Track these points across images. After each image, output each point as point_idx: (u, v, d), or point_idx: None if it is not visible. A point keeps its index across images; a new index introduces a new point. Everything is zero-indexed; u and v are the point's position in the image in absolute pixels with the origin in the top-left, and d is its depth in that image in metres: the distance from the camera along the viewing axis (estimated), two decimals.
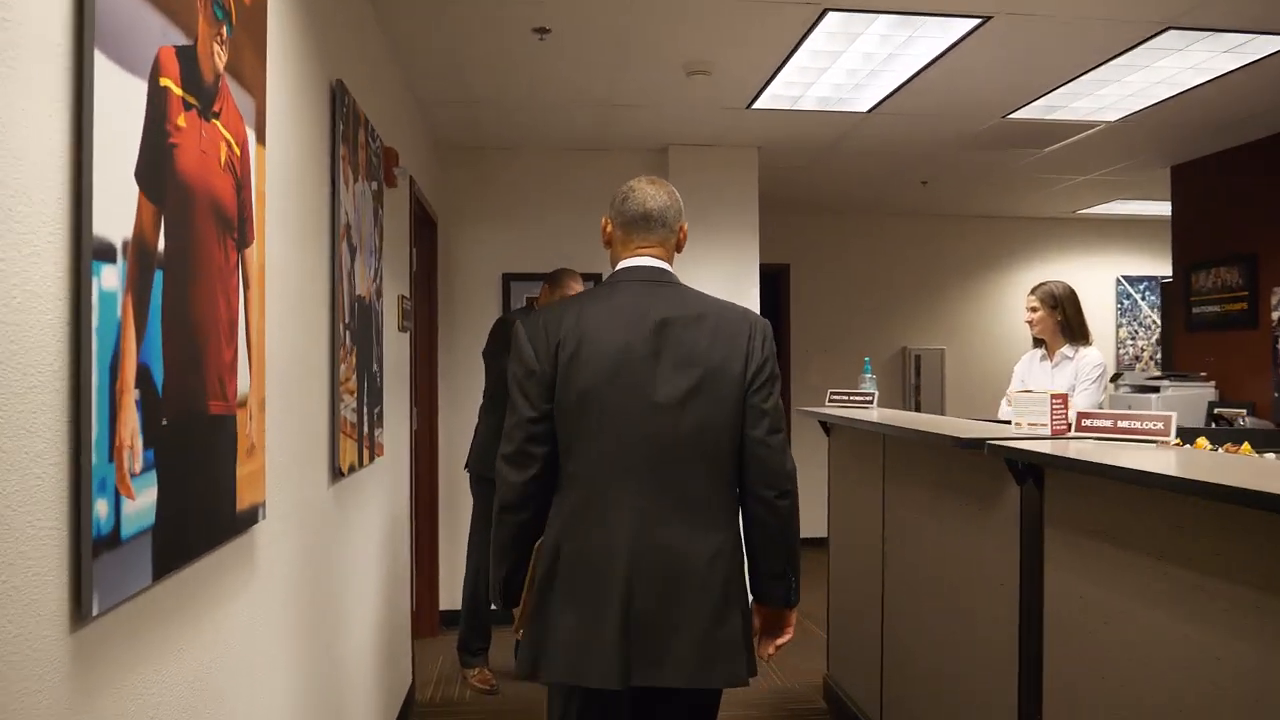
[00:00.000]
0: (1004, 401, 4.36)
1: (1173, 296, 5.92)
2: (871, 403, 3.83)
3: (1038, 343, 4.32)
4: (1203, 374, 5.47)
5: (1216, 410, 5.27)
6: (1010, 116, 4.69)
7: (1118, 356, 8.04)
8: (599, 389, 1.85)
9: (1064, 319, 4.15)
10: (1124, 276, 8.06)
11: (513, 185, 5.36)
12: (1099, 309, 8.00)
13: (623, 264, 2.02)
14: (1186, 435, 2.93)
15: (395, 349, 3.73)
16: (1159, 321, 8.08)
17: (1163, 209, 7.28)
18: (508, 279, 5.30)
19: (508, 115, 4.74)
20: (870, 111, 4.58)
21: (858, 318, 7.65)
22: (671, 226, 2.03)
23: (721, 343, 1.90)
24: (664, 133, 5.09)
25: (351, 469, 2.69)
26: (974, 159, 5.68)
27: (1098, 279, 8.03)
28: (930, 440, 2.94)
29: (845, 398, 3.93)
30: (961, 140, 5.14)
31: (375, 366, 3.06)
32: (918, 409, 7.73)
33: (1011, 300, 7.90)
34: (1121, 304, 8.07)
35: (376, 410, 3.08)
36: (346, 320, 2.59)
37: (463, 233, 5.32)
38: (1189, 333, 5.74)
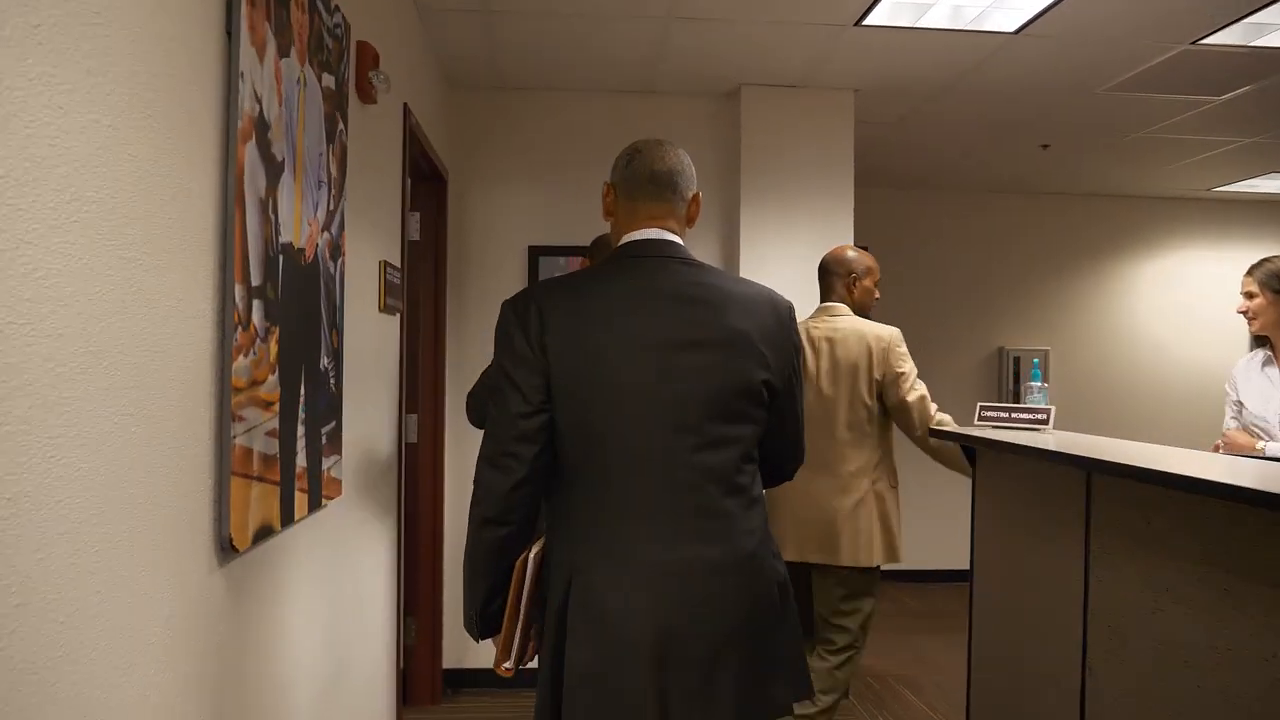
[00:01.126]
0: (1228, 419, 3.22)
1: None
2: (1046, 422, 2.71)
3: (1259, 341, 3.18)
4: None
5: None
6: (1201, 42, 3.53)
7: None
8: (607, 384, 1.60)
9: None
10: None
11: (543, 137, 4.27)
12: (1230, 300, 6.77)
13: (628, 237, 1.75)
14: None
15: (373, 336, 2.66)
16: None
17: None
18: (535, 253, 4.22)
19: (535, 33, 3.65)
20: (1018, 32, 3.44)
21: (947, 312, 6.50)
22: (684, 194, 1.76)
23: (752, 330, 1.66)
24: (736, 67, 3.99)
25: (267, 533, 1.62)
26: (1118, 113, 4.52)
27: (1229, 269, 6.78)
28: (1208, 491, 1.82)
29: (1004, 415, 2.81)
30: (1124, 79, 3.98)
31: (326, 361, 1.99)
32: None
33: (1129, 293, 6.71)
34: None
35: (328, 429, 2.01)
36: (255, 282, 1.52)
37: (480, 194, 4.25)
38: None
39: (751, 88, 4.17)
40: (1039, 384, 2.84)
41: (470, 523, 1.64)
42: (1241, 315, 3.20)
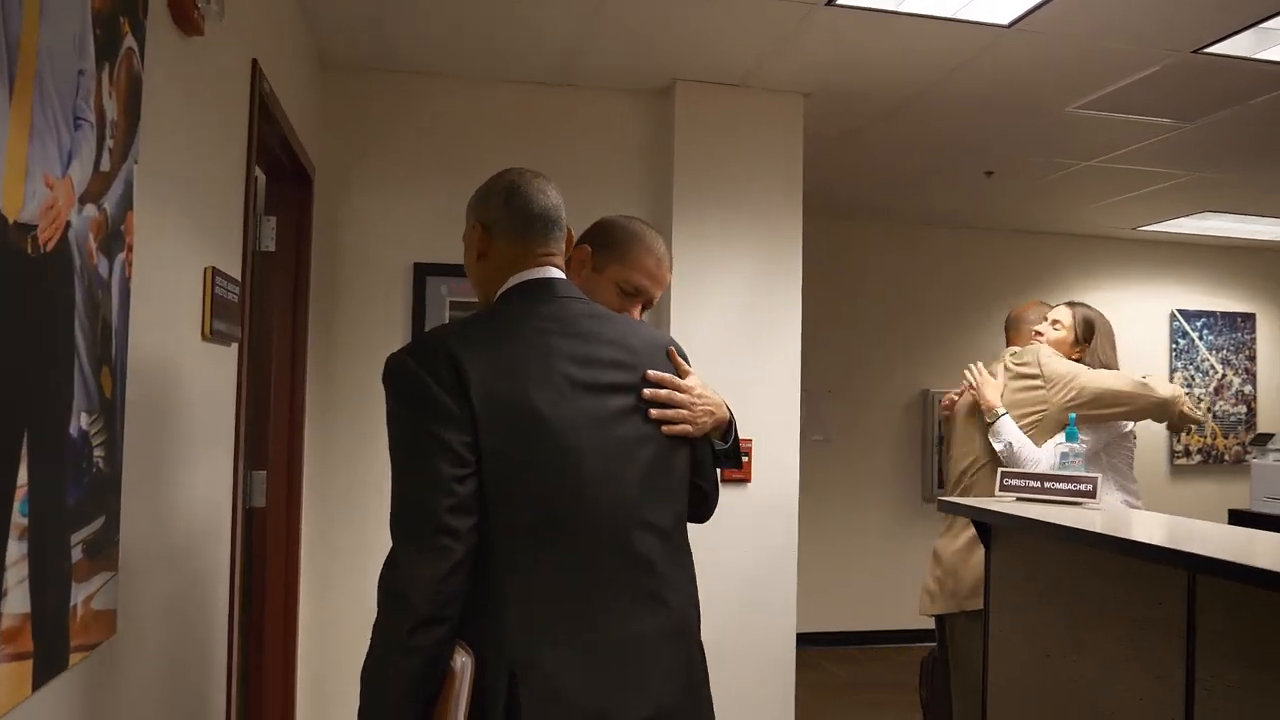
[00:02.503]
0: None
1: None
2: (1093, 495, 2.12)
3: None
4: None
5: None
6: (1205, 50, 3.10)
7: None
8: (546, 442, 1.36)
9: (1081, 354, 3.02)
10: (1179, 310, 6.64)
11: (437, 133, 3.52)
12: (1151, 348, 6.58)
13: (522, 277, 1.50)
14: None
15: (193, 374, 1.85)
16: (1218, 367, 6.69)
17: (1249, 228, 5.92)
18: (422, 272, 3.45)
19: (434, 4, 2.93)
20: (1012, 25, 2.92)
21: (872, 351, 6.02)
22: (564, 229, 1.58)
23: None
24: (672, 57, 3.35)
25: None
26: (1078, 137, 4.11)
27: (1149, 311, 6.60)
28: None
29: (1035, 485, 2.21)
30: (1103, 95, 3.54)
31: (83, 422, 1.19)
32: (941, 469, 6.13)
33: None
34: (1176, 344, 6.64)
35: (85, 534, 1.20)
36: None
37: (356, 199, 3.45)
38: None
39: (688, 84, 3.54)
40: (1075, 445, 2.26)
41: (383, 641, 1.32)
42: (1036, 335, 3.10)
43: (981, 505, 2.25)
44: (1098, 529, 1.89)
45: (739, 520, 3.49)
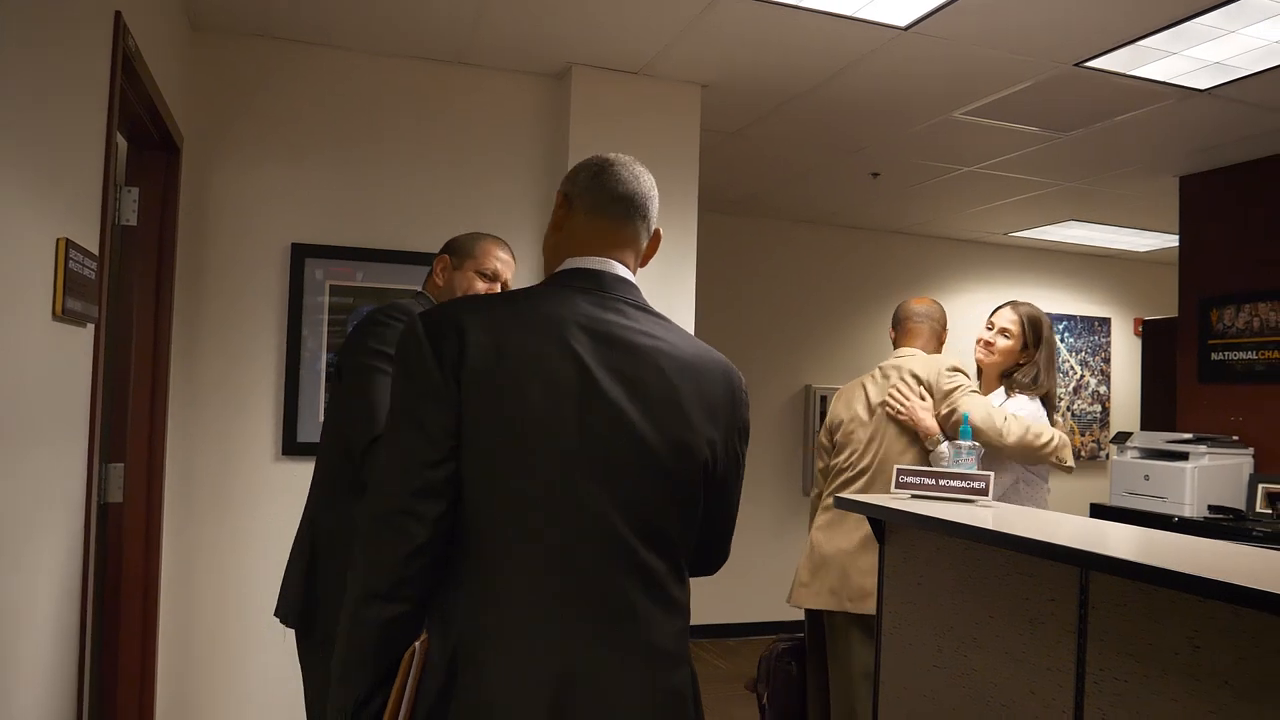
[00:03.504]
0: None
1: (1173, 339, 4.74)
2: (985, 492, 2.16)
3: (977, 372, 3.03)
4: (1235, 438, 4.25)
5: (1263, 485, 4.05)
6: (1085, 64, 3.22)
7: None
8: (523, 436, 1.26)
9: (1030, 363, 2.93)
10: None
11: (319, 107, 3.32)
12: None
13: (575, 263, 1.41)
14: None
15: (39, 358, 1.66)
16: (1077, 369, 7.06)
17: (1106, 237, 6.26)
18: (301, 253, 3.25)
19: None
20: (910, 27, 2.96)
21: (757, 347, 6.07)
22: (650, 224, 1.48)
23: (700, 402, 1.36)
24: (567, 41, 3.25)
25: None
26: (964, 143, 4.24)
27: None
28: None
29: (930, 482, 2.23)
30: (991, 102, 3.64)
31: None
32: None
33: None
34: None
35: None
36: None
37: (228, 172, 3.22)
38: (1203, 384, 4.53)
39: (584, 69, 3.45)
40: (969, 443, 2.29)
41: (349, 595, 1.26)
42: (985, 345, 2.97)
43: (875, 502, 2.25)
44: (991, 526, 1.91)
45: None
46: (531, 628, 1.24)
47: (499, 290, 2.11)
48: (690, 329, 3.62)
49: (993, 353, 2.95)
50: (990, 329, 2.99)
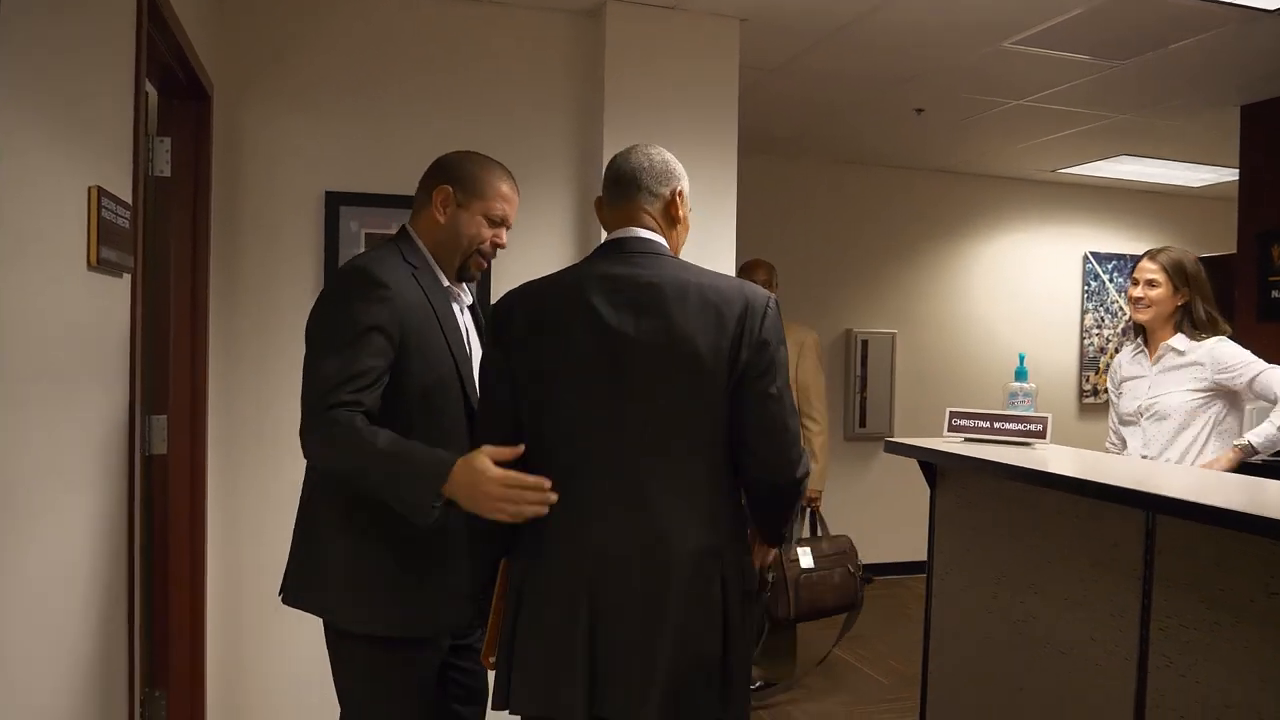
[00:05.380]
0: (1111, 420, 2.96)
1: (1230, 276, 4.57)
2: (1043, 435, 2.09)
3: (1135, 330, 3.07)
4: None
5: None
6: None
7: (1081, 348, 6.77)
8: (548, 370, 1.65)
9: (1188, 304, 2.90)
10: (1092, 253, 6.78)
11: (350, 49, 3.25)
12: (1064, 290, 6.72)
13: (609, 238, 1.75)
14: None
15: (75, 309, 1.64)
16: (1126, 309, 6.86)
17: (1159, 172, 6.03)
18: (335, 201, 3.21)
19: None
20: None
21: (797, 290, 5.96)
22: (652, 190, 1.74)
23: (699, 320, 1.60)
24: None
25: None
26: (1013, 74, 4.07)
27: (1062, 254, 6.72)
28: None
29: (984, 425, 2.16)
30: (1042, 30, 3.47)
31: None
32: (863, 407, 6.18)
33: (963, 277, 6.45)
34: (1088, 285, 6.79)
35: None
36: None
37: (260, 120, 3.17)
38: (1262, 322, 4.37)
39: (618, 4, 3.34)
40: (1025, 385, 2.22)
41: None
42: (1135, 302, 2.95)
43: (928, 445, 2.19)
44: (1053, 469, 1.84)
45: None
46: (571, 520, 1.59)
47: (504, 236, 1.98)
48: (730, 272, 3.54)
49: (1147, 305, 2.91)
50: (1135, 285, 2.97)
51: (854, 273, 6.14)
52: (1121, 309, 6.87)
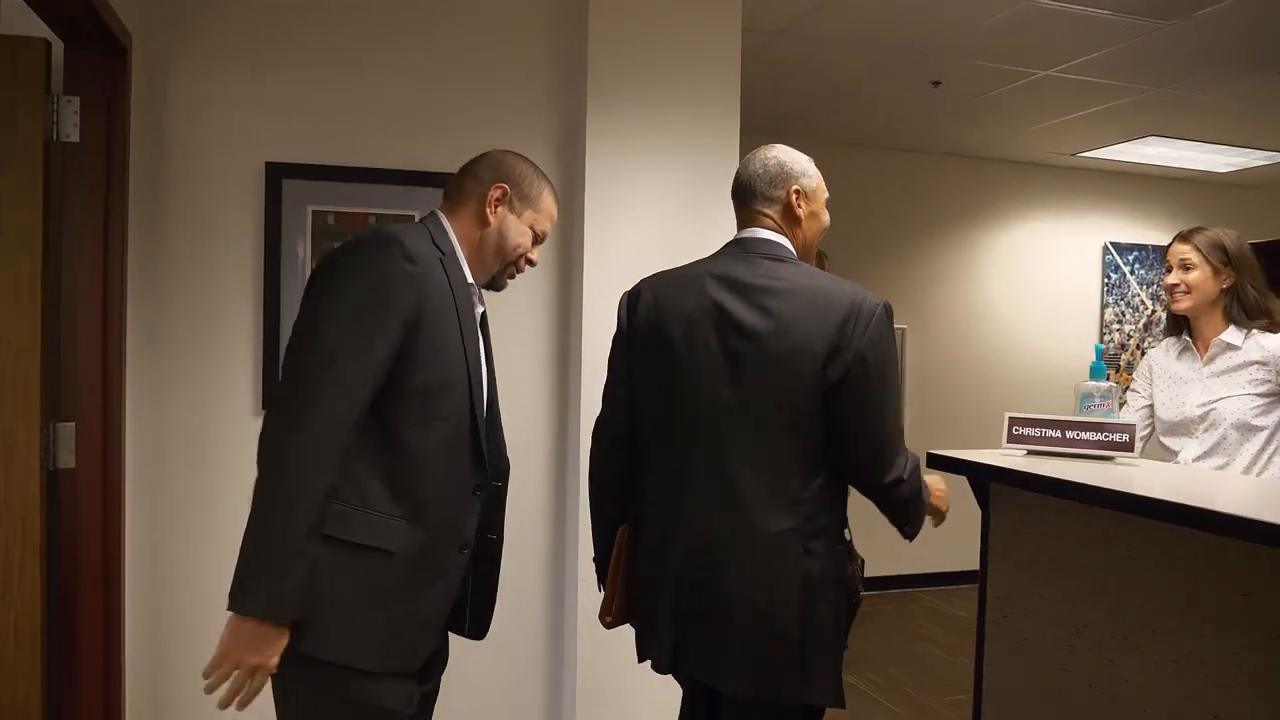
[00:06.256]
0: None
1: None
2: (1129, 447, 1.67)
3: (1175, 325, 2.60)
4: None
5: None
6: None
7: (1103, 343, 6.37)
8: (658, 356, 1.78)
9: (1234, 286, 2.47)
10: (1112, 243, 6.38)
11: (294, 5, 2.83)
12: (1084, 281, 6.33)
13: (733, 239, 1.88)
14: None
15: None
16: (1148, 303, 6.47)
17: (1185, 155, 5.64)
18: (277, 173, 2.77)
19: None
20: None
21: None
22: (767, 194, 1.83)
23: (802, 321, 1.66)
24: None
25: None
26: (1041, 39, 3.66)
27: (1082, 244, 6.33)
28: None
29: (1054, 434, 1.75)
30: None
31: None
32: None
33: (976, 269, 6.05)
34: (1108, 278, 6.39)
35: None
36: None
37: (188, 78, 2.74)
38: None
39: None
40: (1101, 384, 1.80)
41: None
42: (1170, 290, 2.51)
43: (983, 460, 1.78)
44: (1161, 495, 1.43)
45: None
46: (663, 498, 1.75)
47: (535, 255, 1.87)
48: None
49: (1185, 291, 2.49)
50: (1169, 271, 2.53)
51: (861, 264, 5.72)
52: (1144, 303, 6.47)
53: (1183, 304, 2.48)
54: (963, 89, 4.41)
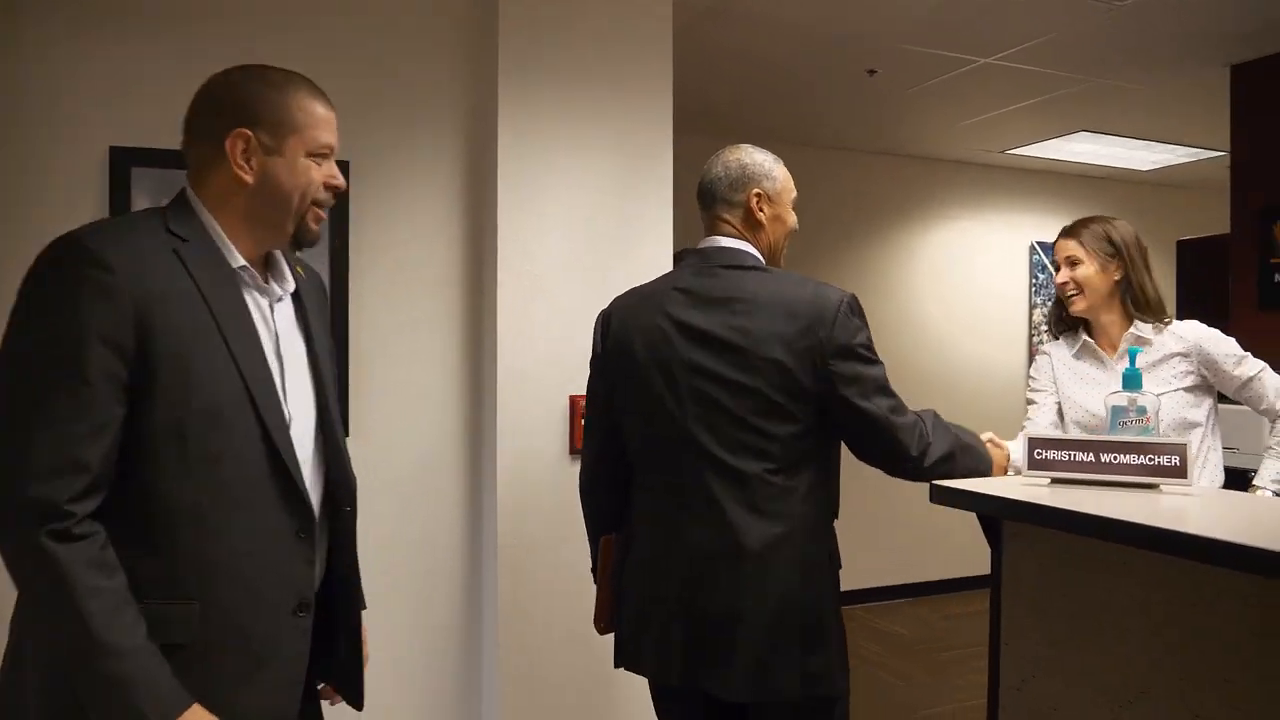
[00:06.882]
0: (1019, 440, 2.06)
1: (1223, 261, 4.04)
2: (1181, 472, 1.37)
3: (1064, 325, 2.43)
4: None
5: None
6: None
7: (1030, 346, 6.26)
8: (630, 377, 1.77)
9: (1126, 279, 2.29)
10: (1039, 243, 6.28)
11: None
12: (1011, 280, 6.21)
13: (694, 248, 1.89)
14: None
15: None
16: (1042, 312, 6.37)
17: (1113, 153, 5.55)
18: (124, 159, 2.31)
19: None
20: None
21: None
22: (728, 198, 1.80)
23: (766, 332, 1.65)
24: None
25: None
26: (983, 24, 3.44)
27: (1010, 243, 6.21)
28: None
29: (1088, 459, 1.44)
30: None
31: None
32: None
33: (905, 270, 5.86)
34: (1036, 278, 6.29)
35: None
36: None
37: (16, 50, 2.26)
38: (1265, 310, 3.84)
39: None
40: (1139, 395, 1.50)
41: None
42: (1062, 289, 2.35)
43: (996, 493, 1.46)
44: (1228, 537, 1.13)
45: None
46: (650, 515, 1.76)
47: (336, 170, 1.41)
48: (668, 250, 2.79)
49: (1079, 291, 2.31)
50: (1058, 269, 2.36)
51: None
52: None
53: (1079, 305, 2.32)
54: (898, 78, 4.17)
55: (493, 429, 2.59)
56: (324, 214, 1.41)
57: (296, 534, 1.33)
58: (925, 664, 4.48)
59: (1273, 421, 2.21)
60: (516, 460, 2.58)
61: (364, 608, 1.53)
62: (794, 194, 1.87)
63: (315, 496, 1.38)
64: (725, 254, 1.75)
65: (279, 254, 1.44)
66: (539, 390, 2.60)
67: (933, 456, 1.64)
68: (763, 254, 1.79)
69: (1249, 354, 2.26)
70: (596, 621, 1.91)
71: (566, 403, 2.63)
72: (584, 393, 2.57)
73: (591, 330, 2.59)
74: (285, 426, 1.32)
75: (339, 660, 1.48)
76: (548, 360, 2.61)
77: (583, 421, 1.91)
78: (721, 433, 1.64)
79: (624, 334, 1.77)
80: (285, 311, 1.42)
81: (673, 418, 1.67)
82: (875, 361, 1.68)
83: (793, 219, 1.87)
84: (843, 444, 1.75)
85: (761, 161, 1.81)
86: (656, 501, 1.74)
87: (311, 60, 2.46)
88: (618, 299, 1.86)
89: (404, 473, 2.63)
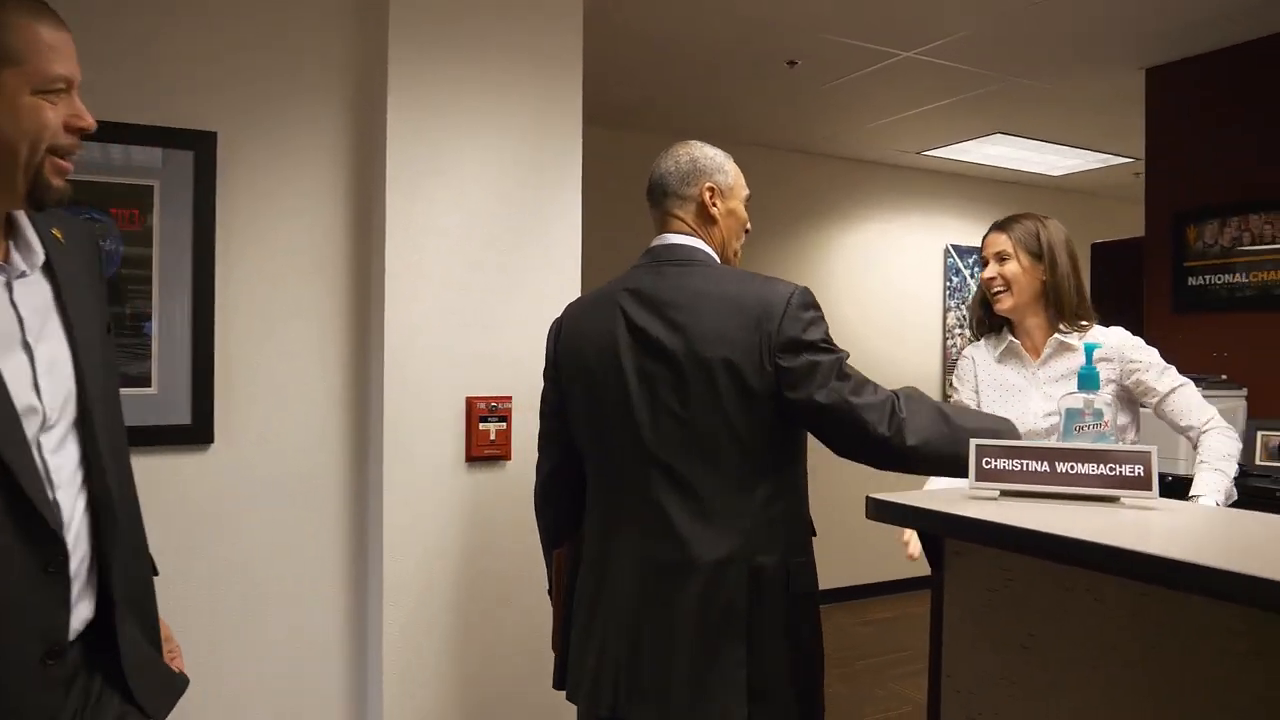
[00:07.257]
0: None
1: (1137, 264, 4.02)
2: (1146, 484, 1.21)
3: (988, 326, 2.32)
4: (1223, 376, 3.56)
5: (1262, 432, 3.37)
6: None
7: (945, 350, 6.24)
8: (580, 385, 1.71)
9: (1054, 280, 2.18)
10: (953, 245, 6.26)
11: None
12: (925, 283, 6.18)
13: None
14: None
15: None
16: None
17: (1026, 156, 5.55)
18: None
19: None
20: None
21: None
22: (680, 192, 1.74)
23: (715, 332, 1.57)
24: None
25: None
26: (907, 16, 3.32)
27: (924, 245, 6.17)
28: None
29: (1042, 469, 1.27)
30: None
31: None
32: None
33: (823, 271, 5.77)
34: (950, 281, 6.27)
35: None
36: None
37: None
38: (1179, 314, 3.82)
39: None
40: (1093, 396, 1.34)
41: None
42: (988, 285, 2.23)
43: (937, 508, 1.28)
44: (1219, 564, 0.97)
45: (499, 506, 2.42)
46: (599, 528, 1.68)
47: (81, 108, 1.15)
48: (576, 254, 2.58)
49: (1006, 289, 2.20)
50: (985, 264, 2.24)
51: None
52: None
53: (1005, 304, 2.20)
54: (818, 72, 4.04)
55: (379, 434, 2.34)
56: (68, 163, 1.15)
57: (44, 569, 1.08)
58: (840, 674, 4.35)
59: (1195, 440, 2.12)
60: (406, 469, 2.33)
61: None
62: (747, 192, 1.80)
63: (77, 518, 1.13)
64: (674, 251, 1.69)
65: (21, 218, 1.17)
66: (432, 392, 2.36)
67: (914, 433, 1.49)
68: (715, 251, 1.72)
69: (1173, 367, 2.17)
70: (554, 641, 1.83)
71: (462, 405, 2.39)
72: (481, 394, 2.39)
73: (493, 327, 2.42)
74: (20, 439, 1.06)
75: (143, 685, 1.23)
76: (442, 359, 2.37)
77: (536, 433, 1.85)
78: (670, 438, 1.57)
79: (575, 341, 1.72)
80: (33, 289, 1.16)
81: (623, 425, 1.61)
82: (831, 351, 1.57)
83: (745, 215, 1.80)
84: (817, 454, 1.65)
85: (713, 156, 1.76)
86: (606, 513, 1.67)
87: (160, 13, 2.19)
88: (570, 305, 1.80)
89: (277, 482, 2.35)
